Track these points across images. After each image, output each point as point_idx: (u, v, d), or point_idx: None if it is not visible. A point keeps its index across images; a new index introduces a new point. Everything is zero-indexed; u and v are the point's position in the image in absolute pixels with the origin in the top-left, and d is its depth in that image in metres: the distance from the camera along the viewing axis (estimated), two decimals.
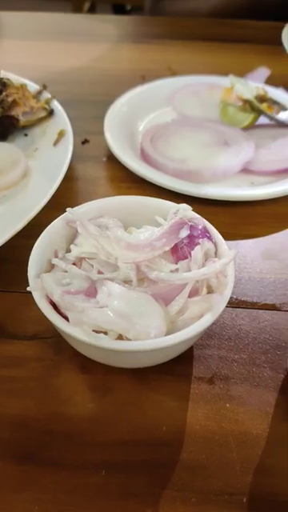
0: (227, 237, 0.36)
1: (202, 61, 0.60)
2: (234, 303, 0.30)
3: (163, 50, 0.63)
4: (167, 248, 0.25)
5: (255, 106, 0.41)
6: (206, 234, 0.26)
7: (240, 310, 0.30)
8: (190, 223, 0.26)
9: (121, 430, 0.24)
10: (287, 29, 0.60)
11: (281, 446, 0.23)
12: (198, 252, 0.25)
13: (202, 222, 0.27)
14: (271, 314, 0.30)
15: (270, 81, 0.53)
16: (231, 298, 0.30)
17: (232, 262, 0.25)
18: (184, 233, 0.25)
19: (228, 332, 0.29)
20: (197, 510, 0.21)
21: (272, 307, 0.30)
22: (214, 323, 0.29)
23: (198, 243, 0.25)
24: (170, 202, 0.29)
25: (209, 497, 0.22)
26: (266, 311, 0.30)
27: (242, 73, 0.54)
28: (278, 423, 0.24)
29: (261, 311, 0.30)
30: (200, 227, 0.26)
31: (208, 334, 0.28)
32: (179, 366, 0.27)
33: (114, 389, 0.25)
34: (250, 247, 0.35)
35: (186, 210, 0.28)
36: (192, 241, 0.26)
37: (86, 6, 1.47)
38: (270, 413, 0.25)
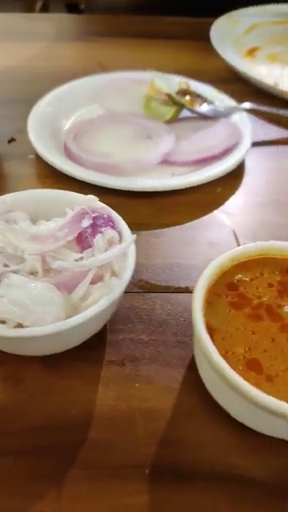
0: (149, 226, 0.37)
1: (135, 57, 0.61)
2: (147, 288, 0.31)
3: (97, 48, 0.64)
4: (70, 238, 0.26)
5: (175, 100, 0.42)
6: (109, 222, 0.27)
7: (154, 294, 0.31)
8: (93, 213, 0.27)
9: (32, 418, 0.25)
10: (216, 26, 0.63)
11: (184, 418, 0.25)
12: (99, 240, 0.26)
13: (107, 211, 0.28)
14: (184, 296, 0.31)
15: (198, 75, 0.55)
16: (145, 282, 0.31)
17: (133, 246, 0.26)
18: (86, 222, 0.26)
19: (141, 316, 0.30)
20: (100, 485, 0.22)
21: (185, 290, 0.31)
22: (128, 308, 0.30)
23: (101, 232, 0.26)
24: (81, 195, 0.30)
25: (113, 471, 0.23)
26: (179, 294, 0.31)
27: (172, 68, 0.56)
28: (183, 398, 0.26)
29: (174, 294, 0.31)
30: (105, 216, 0.27)
31: (121, 319, 0.29)
32: (92, 352, 0.27)
33: (26, 378, 0.26)
34: (169, 235, 0.36)
35: (92, 201, 0.29)
36: (95, 230, 0.26)
37: (38, 5, 1.45)
38: (177, 389, 0.26)
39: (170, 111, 0.43)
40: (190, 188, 0.39)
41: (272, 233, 0.36)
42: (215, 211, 0.38)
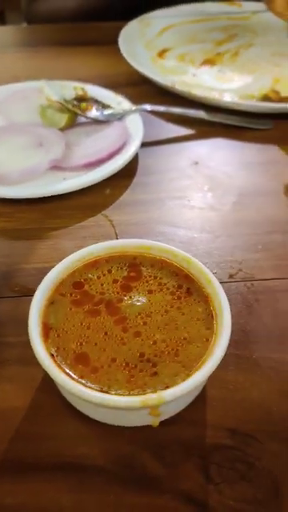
0: (35, 232, 0.38)
1: (53, 66, 0.62)
2: (18, 292, 0.32)
3: (17, 58, 0.65)
4: None
5: (65, 107, 0.43)
6: None
7: (25, 298, 0.32)
8: None
9: None
10: (126, 30, 0.64)
11: (36, 415, 0.26)
12: None
13: None
14: None
15: (110, 79, 0.57)
16: (16, 287, 0.32)
17: None
18: None
19: (11, 319, 0.31)
20: None
21: None
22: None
23: None
24: None
25: None
26: None
27: (87, 73, 0.57)
28: (40, 395, 0.27)
29: None
30: None
31: None
32: None
33: None
34: (55, 238, 0.37)
35: None
36: None
37: None
38: (35, 387, 0.27)
39: (64, 118, 0.44)
40: (80, 191, 0.40)
41: (153, 229, 0.37)
42: (102, 212, 0.39)
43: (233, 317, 0.31)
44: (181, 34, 0.66)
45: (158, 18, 0.68)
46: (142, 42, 0.63)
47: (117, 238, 0.36)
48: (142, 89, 0.54)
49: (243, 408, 0.26)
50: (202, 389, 0.26)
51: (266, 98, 0.50)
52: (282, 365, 0.28)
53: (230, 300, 0.31)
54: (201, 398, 0.27)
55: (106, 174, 0.40)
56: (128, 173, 0.42)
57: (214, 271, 0.34)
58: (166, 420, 0.25)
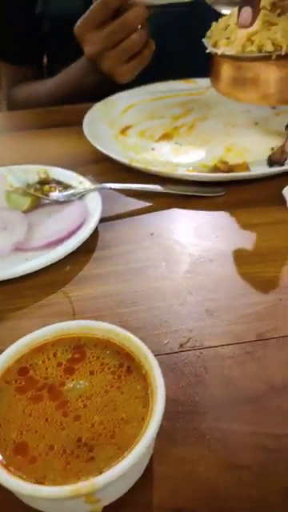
0: None
1: (20, 150, 0.66)
2: None
3: None
4: None
5: (27, 192, 0.47)
6: None
7: None
8: None
9: None
10: (91, 111, 0.70)
11: None
12: None
13: None
14: None
15: (73, 160, 0.61)
16: None
17: None
18: None
19: None
20: None
21: None
22: None
23: None
24: None
25: None
26: None
27: (55, 155, 0.62)
28: None
29: None
30: None
31: None
32: None
33: None
34: (13, 319, 0.38)
35: None
36: None
37: None
38: None
39: (27, 201, 0.47)
40: (42, 269, 0.42)
41: (109, 304, 0.39)
42: (62, 288, 0.41)
43: (182, 388, 0.32)
44: (142, 111, 0.73)
45: (122, 98, 0.75)
46: (106, 122, 0.69)
47: (74, 315, 0.38)
48: (105, 166, 0.59)
49: (190, 484, 0.27)
50: (146, 466, 0.27)
51: (216, 169, 0.54)
52: (230, 436, 0.29)
53: (179, 371, 0.33)
54: (148, 476, 0.27)
55: (66, 252, 0.43)
56: (88, 248, 0.45)
57: (166, 341, 0.35)
58: (110, 505, 0.25)
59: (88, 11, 0.63)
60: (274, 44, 0.46)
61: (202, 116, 0.70)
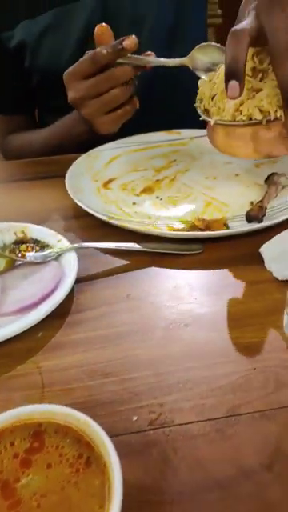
0: None
1: (10, 202, 0.68)
2: None
3: None
4: None
5: (2, 254, 0.47)
6: None
7: None
8: None
9: None
10: (75, 165, 0.71)
11: None
12: None
13: None
14: None
15: (54, 214, 0.62)
16: None
17: None
18: None
19: None
20: None
21: None
22: None
23: None
24: None
25: None
26: None
27: (36, 210, 0.62)
28: None
29: None
30: None
31: None
32: None
33: None
34: None
35: None
36: None
37: None
38: None
39: (2, 263, 0.47)
40: (14, 336, 0.42)
41: (79, 375, 0.38)
42: (33, 357, 0.40)
43: (149, 472, 0.30)
44: (126, 163, 0.74)
45: (107, 149, 0.77)
46: (89, 174, 0.70)
47: (42, 388, 0.37)
48: (86, 220, 0.59)
49: None
50: None
51: (193, 227, 0.54)
52: None
53: (147, 452, 0.31)
54: None
55: (38, 319, 0.42)
56: (62, 311, 0.44)
57: (135, 418, 0.34)
58: None
59: (78, 62, 0.65)
60: (261, 111, 0.47)
61: (184, 168, 0.71)
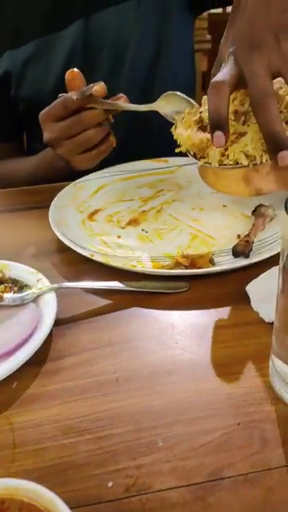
0: None
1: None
2: None
3: None
4: None
5: None
6: None
7: None
8: None
9: None
10: (60, 195, 0.70)
11: None
12: None
13: None
14: None
15: (36, 248, 0.60)
16: None
17: None
18: None
19: None
20: None
21: None
22: None
23: None
24: None
25: None
26: None
27: (17, 244, 0.60)
28: None
29: None
30: None
31: None
32: None
33: None
34: None
35: None
36: None
37: None
38: None
39: None
40: None
41: (52, 431, 0.35)
42: (5, 412, 0.38)
43: None
44: (112, 193, 0.73)
45: (93, 179, 0.75)
46: (74, 205, 0.68)
47: (14, 448, 0.35)
48: (69, 255, 0.57)
49: None
50: None
51: (178, 264, 0.52)
52: None
53: None
54: None
55: (14, 367, 0.40)
56: (39, 358, 0.42)
57: (110, 484, 0.32)
58: None
59: (51, 104, 0.65)
60: (247, 155, 0.46)
61: (171, 198, 0.70)
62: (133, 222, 0.64)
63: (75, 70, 0.65)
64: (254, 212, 0.62)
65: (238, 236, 0.59)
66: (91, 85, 0.62)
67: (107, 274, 0.53)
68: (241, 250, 0.54)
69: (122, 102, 0.64)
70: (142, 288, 0.50)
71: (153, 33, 0.81)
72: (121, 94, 0.65)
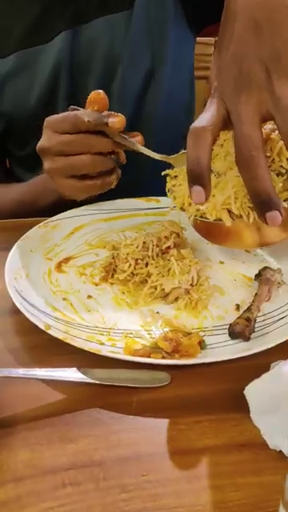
0: None
1: None
2: None
3: None
4: None
5: None
6: None
7: None
8: None
9: None
10: (26, 237, 0.58)
11: None
12: None
13: None
14: None
15: None
16: None
17: None
18: None
19: None
20: None
21: None
22: None
23: None
24: None
25: None
26: None
27: None
28: None
29: None
30: None
31: None
32: None
33: None
34: None
35: None
36: None
37: None
38: None
39: None
40: None
41: None
42: None
43: None
44: (89, 236, 0.61)
45: (69, 217, 0.64)
46: (42, 251, 0.57)
47: None
48: (23, 320, 0.45)
49: None
50: None
51: (157, 348, 0.41)
52: None
53: None
54: None
55: None
56: None
57: None
58: None
59: (61, 115, 0.56)
60: (231, 212, 0.38)
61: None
62: (109, 277, 0.53)
63: (101, 92, 0.56)
64: (257, 276, 0.51)
65: (237, 307, 0.48)
66: (110, 113, 0.54)
67: (68, 351, 0.41)
68: (240, 331, 0.42)
69: (137, 142, 0.54)
70: (106, 381, 0.38)
71: (147, 46, 0.73)
72: (137, 133, 0.56)
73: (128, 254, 0.52)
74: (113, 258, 0.53)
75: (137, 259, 0.52)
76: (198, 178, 0.35)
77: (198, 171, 0.35)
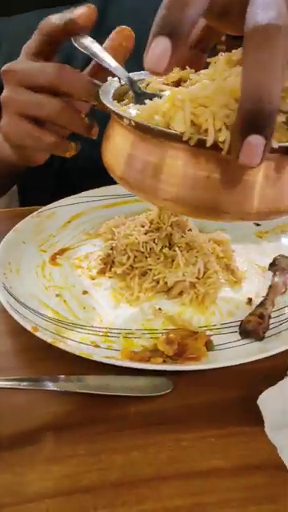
0: None
1: None
2: None
3: None
4: None
5: None
6: None
7: None
8: None
9: None
10: (18, 227, 0.54)
11: None
12: None
13: None
14: None
15: None
16: None
17: None
18: None
19: None
20: None
21: None
22: None
23: None
24: None
25: None
26: None
27: None
28: None
29: None
30: None
31: None
32: None
33: None
34: None
35: None
36: None
37: None
38: None
39: None
40: None
41: None
42: None
43: None
44: (88, 225, 0.56)
45: (65, 206, 0.59)
46: (35, 242, 0.52)
47: None
48: (7, 316, 0.41)
49: None
50: None
51: (158, 352, 0.36)
52: None
53: None
54: None
55: None
56: None
57: None
58: None
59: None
60: (194, 122, 0.26)
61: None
62: (107, 270, 0.49)
63: (126, 27, 0.44)
64: (271, 266, 0.46)
65: (249, 301, 0.43)
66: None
67: (59, 355, 0.36)
68: (253, 329, 0.37)
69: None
70: (99, 390, 0.33)
71: None
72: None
73: (127, 245, 0.48)
74: (111, 249, 0.49)
75: (136, 250, 0.47)
76: (172, 25, 0.23)
77: (175, 16, 0.23)
